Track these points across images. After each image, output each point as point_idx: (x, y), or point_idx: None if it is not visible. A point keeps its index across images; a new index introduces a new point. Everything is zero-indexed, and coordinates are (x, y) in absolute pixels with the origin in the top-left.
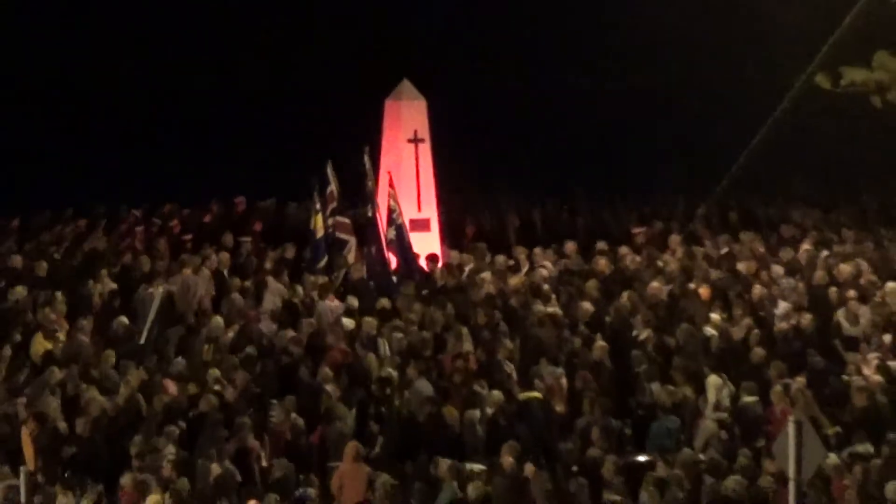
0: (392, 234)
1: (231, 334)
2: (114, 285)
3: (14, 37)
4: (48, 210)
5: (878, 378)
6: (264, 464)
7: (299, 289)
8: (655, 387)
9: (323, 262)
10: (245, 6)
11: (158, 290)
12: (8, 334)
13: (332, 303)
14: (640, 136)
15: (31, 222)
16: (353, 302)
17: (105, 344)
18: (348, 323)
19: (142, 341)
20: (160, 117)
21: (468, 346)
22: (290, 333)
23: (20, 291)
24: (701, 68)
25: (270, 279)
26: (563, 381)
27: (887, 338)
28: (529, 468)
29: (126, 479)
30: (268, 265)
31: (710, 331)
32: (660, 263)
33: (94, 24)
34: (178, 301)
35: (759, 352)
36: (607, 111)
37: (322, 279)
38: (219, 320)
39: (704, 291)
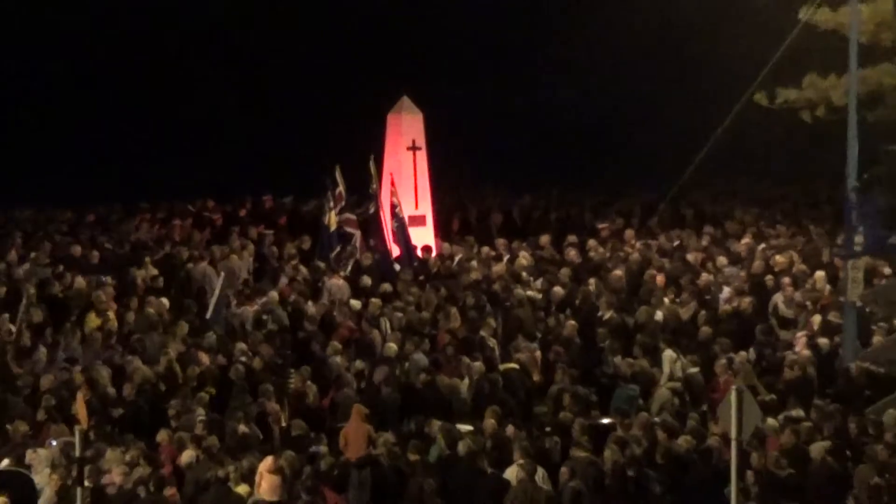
0: (395, 225)
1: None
2: (155, 271)
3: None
4: (100, 206)
5: (807, 353)
6: (283, 424)
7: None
8: (617, 359)
9: (334, 253)
10: (274, 44)
11: (220, 272)
12: (65, 313)
13: (339, 281)
14: (606, 145)
15: (84, 216)
16: (362, 284)
17: (177, 317)
18: (355, 304)
19: (208, 316)
20: (201, 128)
21: (457, 323)
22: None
23: (77, 277)
24: (664, 87)
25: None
26: (538, 354)
27: (816, 319)
28: (510, 428)
29: (164, 436)
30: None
31: (664, 312)
32: (621, 254)
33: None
34: (225, 280)
35: (706, 330)
36: (578, 123)
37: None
38: (274, 295)
39: (659, 278)
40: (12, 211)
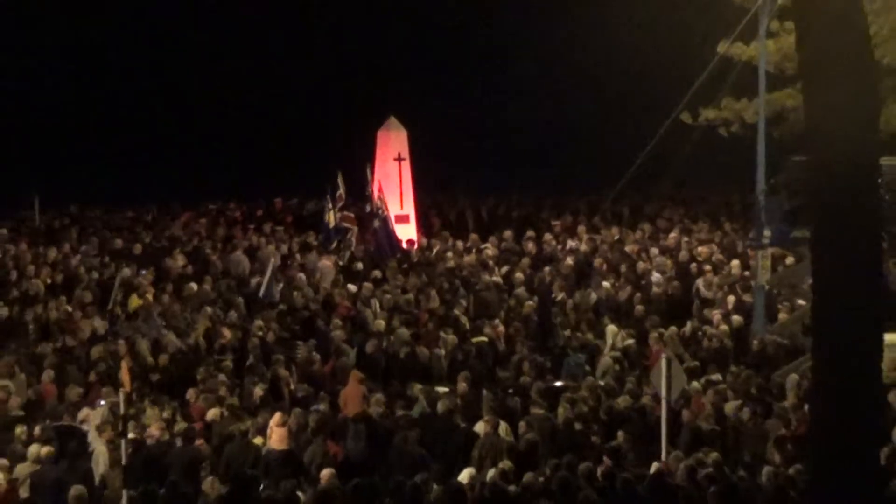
0: (376, 224)
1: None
2: (184, 261)
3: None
4: (139, 206)
5: (724, 327)
6: (292, 387)
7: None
8: (568, 333)
9: (333, 245)
10: (288, 73)
11: (270, 254)
12: (112, 296)
13: (327, 262)
14: (557, 155)
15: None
16: (355, 270)
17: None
18: (352, 287)
19: (261, 294)
20: (225, 141)
21: (436, 304)
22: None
23: (119, 265)
24: (605, 106)
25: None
26: (502, 329)
27: (731, 299)
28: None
29: (194, 397)
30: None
31: (606, 294)
32: (571, 246)
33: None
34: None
35: (640, 308)
36: (534, 137)
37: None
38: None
39: (602, 267)
40: (67, 209)
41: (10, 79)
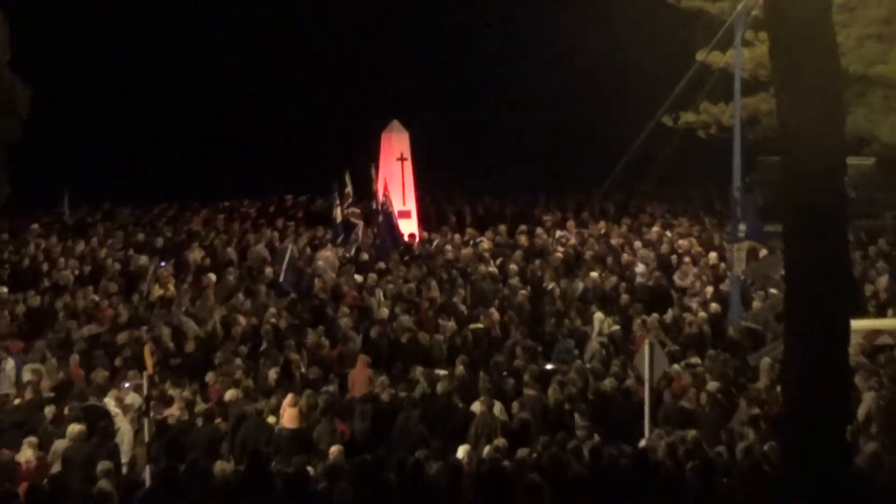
0: (380, 218)
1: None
2: (202, 253)
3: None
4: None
5: (703, 315)
6: (303, 370)
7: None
8: (557, 320)
9: (340, 239)
10: (302, 82)
11: (288, 245)
12: (135, 286)
13: (328, 253)
14: (548, 156)
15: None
16: (361, 261)
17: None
18: (358, 277)
19: (281, 279)
20: (241, 144)
21: (435, 293)
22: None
23: (142, 258)
24: (592, 110)
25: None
26: (497, 316)
27: (709, 289)
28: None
29: (212, 379)
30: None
31: (593, 283)
32: (561, 240)
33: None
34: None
35: (625, 297)
36: (527, 139)
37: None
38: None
39: (590, 259)
40: (97, 206)
41: (41, 85)
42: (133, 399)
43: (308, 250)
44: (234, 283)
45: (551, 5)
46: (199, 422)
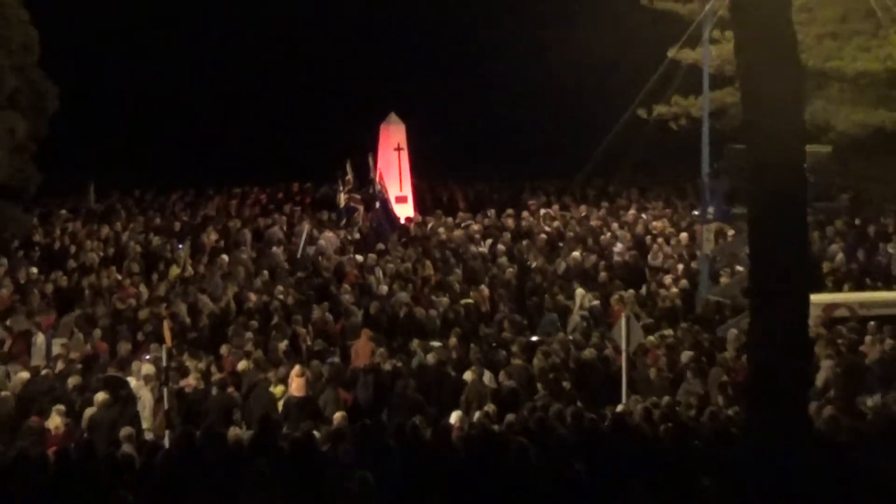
0: (379, 205)
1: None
2: (216, 236)
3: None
4: (179, 189)
5: (675, 290)
6: (309, 343)
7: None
8: (543, 296)
9: (343, 222)
10: (308, 78)
11: (304, 226)
12: (155, 266)
13: (330, 234)
14: (533, 145)
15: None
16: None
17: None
18: (359, 258)
19: (298, 255)
20: (251, 134)
21: (430, 272)
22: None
23: (159, 240)
24: (572, 102)
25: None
26: (487, 292)
27: (680, 266)
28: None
29: (225, 351)
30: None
31: (574, 262)
32: (546, 217)
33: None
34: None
35: (604, 275)
36: (513, 130)
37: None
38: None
39: (571, 239)
40: (123, 193)
41: (68, 82)
42: (150, 369)
43: (315, 232)
44: (246, 262)
45: (536, 7)
46: (214, 391)
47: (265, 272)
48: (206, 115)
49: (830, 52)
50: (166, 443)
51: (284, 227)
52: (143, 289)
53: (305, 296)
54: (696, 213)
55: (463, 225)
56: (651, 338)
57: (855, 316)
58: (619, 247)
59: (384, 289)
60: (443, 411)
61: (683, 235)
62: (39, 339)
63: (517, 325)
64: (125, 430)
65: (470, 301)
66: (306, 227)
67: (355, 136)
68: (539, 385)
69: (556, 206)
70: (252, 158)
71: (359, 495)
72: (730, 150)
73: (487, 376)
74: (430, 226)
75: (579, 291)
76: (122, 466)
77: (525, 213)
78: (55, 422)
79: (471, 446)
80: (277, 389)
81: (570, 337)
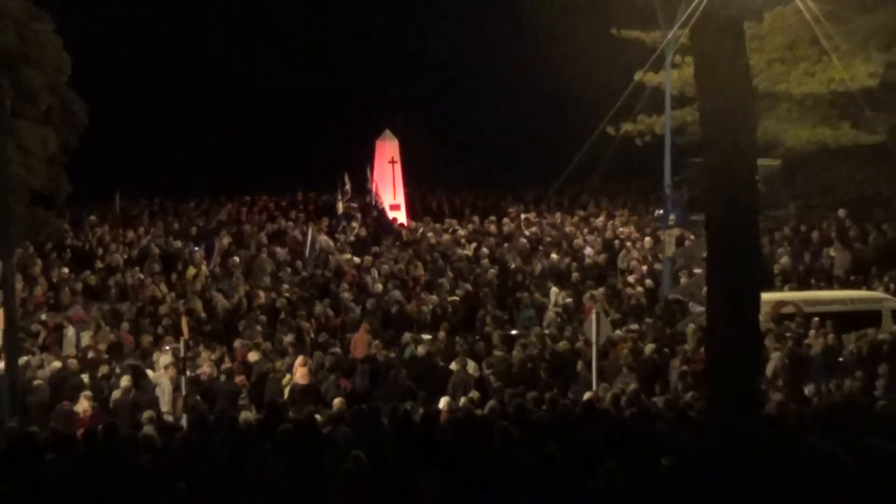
0: (375, 213)
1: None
2: (229, 239)
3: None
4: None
5: (640, 289)
6: (312, 335)
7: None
8: (522, 294)
9: (341, 227)
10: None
11: (310, 230)
12: (174, 266)
13: (324, 237)
14: (512, 158)
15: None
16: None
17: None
18: (357, 259)
19: (307, 255)
20: (264, 148)
21: (421, 272)
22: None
23: (178, 243)
24: (547, 120)
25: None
26: (471, 290)
27: (644, 267)
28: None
29: (237, 344)
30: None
31: (550, 263)
32: (524, 227)
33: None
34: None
35: (576, 275)
36: (494, 144)
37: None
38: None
39: (547, 243)
40: (147, 200)
41: (96, 100)
42: (169, 359)
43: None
44: (264, 261)
45: (517, 39)
46: (226, 378)
47: (280, 271)
48: (219, 131)
49: (779, 76)
50: (183, 424)
51: (292, 232)
52: (163, 287)
53: (309, 293)
54: (659, 219)
55: (450, 230)
56: (619, 332)
57: (801, 312)
58: (589, 250)
59: (379, 287)
60: (432, 397)
61: (648, 240)
62: (70, 331)
63: (498, 320)
64: (146, 413)
65: (456, 298)
66: (311, 231)
67: (353, 150)
68: (517, 374)
69: (533, 213)
70: (260, 169)
71: (354, 473)
72: (689, 164)
73: (471, 366)
74: (420, 231)
75: (554, 290)
76: (143, 446)
77: (506, 220)
78: (83, 406)
79: (457, 428)
80: (285, 379)
81: (546, 331)
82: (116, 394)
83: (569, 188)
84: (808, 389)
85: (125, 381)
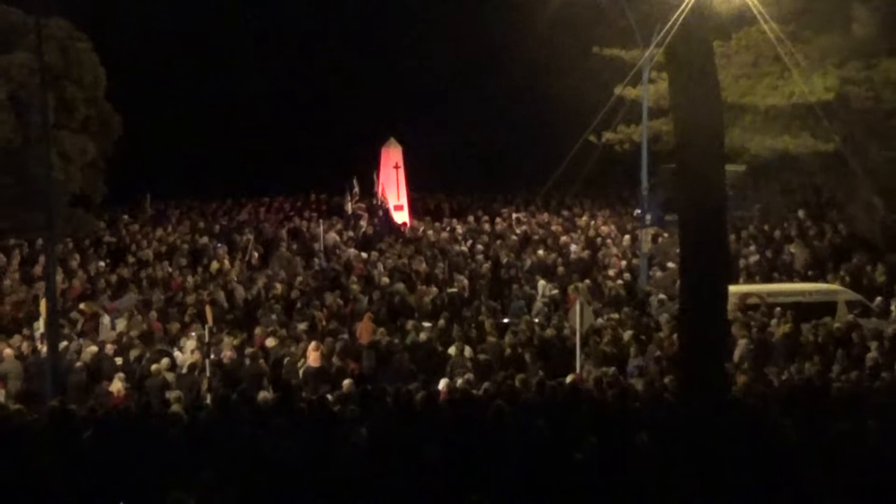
0: (381, 213)
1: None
2: (251, 237)
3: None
4: (219, 199)
5: (619, 282)
6: (324, 323)
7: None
8: (513, 285)
9: (350, 226)
10: (327, 112)
11: (321, 229)
12: (200, 261)
13: (333, 234)
14: (503, 163)
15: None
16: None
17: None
18: (364, 255)
19: (320, 251)
20: (277, 154)
21: (422, 266)
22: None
23: (204, 239)
24: (535, 129)
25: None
26: (467, 282)
27: (623, 262)
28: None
29: (257, 330)
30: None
31: (538, 259)
32: (515, 226)
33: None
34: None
35: (561, 269)
36: (488, 151)
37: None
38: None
39: (536, 240)
40: (170, 200)
41: (129, 111)
42: (194, 345)
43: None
44: (285, 254)
45: (508, 59)
46: (247, 362)
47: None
48: (240, 139)
49: (745, 90)
50: (207, 403)
51: (307, 231)
52: (189, 279)
53: (320, 285)
54: (637, 219)
55: (448, 228)
56: (600, 320)
57: (764, 303)
58: (574, 247)
59: (384, 280)
60: (432, 379)
61: (626, 238)
62: (106, 319)
63: (492, 309)
64: (174, 393)
65: (454, 290)
66: (321, 229)
67: (361, 155)
68: (509, 358)
69: (523, 214)
70: (277, 173)
71: (360, 447)
72: (664, 169)
73: (467, 351)
74: (421, 229)
75: (542, 283)
76: (172, 422)
77: (498, 219)
78: (117, 386)
79: (455, 407)
80: (300, 363)
81: (535, 319)
82: (148, 375)
83: (555, 191)
84: (770, 372)
85: (156, 364)
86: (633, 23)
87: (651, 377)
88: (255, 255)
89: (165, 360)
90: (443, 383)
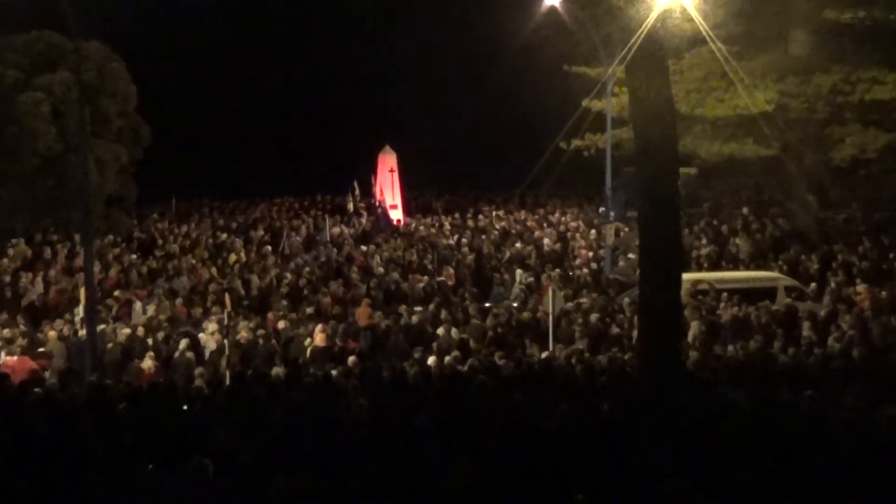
0: (378, 211)
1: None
2: (264, 232)
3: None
4: (235, 199)
5: (586, 270)
6: (328, 308)
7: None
8: (494, 274)
9: (352, 223)
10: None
11: (327, 224)
12: (220, 254)
13: (336, 228)
14: (484, 166)
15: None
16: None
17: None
18: (363, 248)
19: (327, 242)
20: (285, 158)
21: (414, 258)
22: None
23: (223, 235)
24: (510, 136)
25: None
26: (454, 272)
27: (590, 253)
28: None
29: (269, 315)
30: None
31: (516, 251)
32: (495, 222)
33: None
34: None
35: (535, 260)
36: (470, 156)
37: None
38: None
39: (514, 234)
40: (193, 201)
41: (157, 122)
42: (215, 327)
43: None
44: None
45: (490, 70)
46: (261, 342)
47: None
48: (254, 146)
49: (696, 102)
50: (227, 379)
51: (311, 228)
52: (211, 270)
53: (325, 274)
54: (601, 215)
55: (437, 224)
56: (570, 304)
57: (713, 289)
58: (547, 240)
59: (381, 270)
60: (423, 356)
61: (593, 232)
62: (137, 305)
63: (475, 295)
64: (197, 370)
65: (442, 279)
66: (327, 223)
67: (361, 161)
68: (490, 338)
69: (502, 211)
70: (286, 176)
71: (361, 416)
72: (625, 172)
73: (454, 332)
74: (413, 225)
75: (519, 272)
76: (196, 396)
77: (481, 216)
78: (147, 364)
79: (443, 381)
80: (307, 342)
81: (513, 304)
82: (175, 354)
83: (530, 191)
84: (719, 349)
85: (181, 344)
86: (598, 43)
87: (614, 354)
88: (287, 248)
89: (186, 341)
90: (432, 360)
